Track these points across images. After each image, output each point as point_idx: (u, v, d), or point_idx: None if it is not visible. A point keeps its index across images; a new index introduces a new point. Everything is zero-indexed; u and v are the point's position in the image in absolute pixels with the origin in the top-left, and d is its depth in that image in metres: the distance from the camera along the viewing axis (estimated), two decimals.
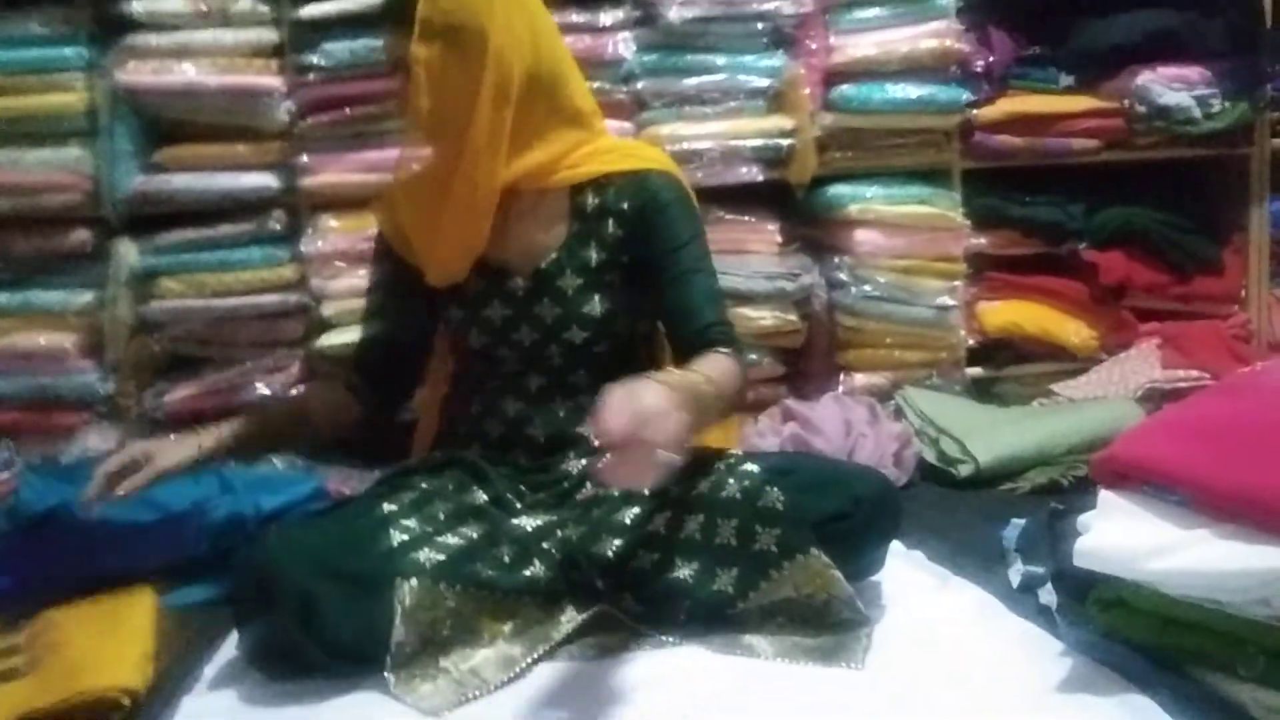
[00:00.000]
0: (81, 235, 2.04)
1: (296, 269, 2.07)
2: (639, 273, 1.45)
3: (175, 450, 1.35)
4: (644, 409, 1.03)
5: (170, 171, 2.04)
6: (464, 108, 1.34)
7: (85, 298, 2.04)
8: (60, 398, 2.04)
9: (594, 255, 1.43)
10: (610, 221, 1.44)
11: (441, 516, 1.31)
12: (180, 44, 2.02)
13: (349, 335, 1.99)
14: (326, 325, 2.06)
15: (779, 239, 2.20)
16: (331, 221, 2.07)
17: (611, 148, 1.48)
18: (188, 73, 2.01)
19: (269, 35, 2.05)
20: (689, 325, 1.40)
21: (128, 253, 2.03)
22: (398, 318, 1.53)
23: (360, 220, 2.05)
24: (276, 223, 2.06)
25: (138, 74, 2.00)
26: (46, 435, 2.03)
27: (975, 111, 2.30)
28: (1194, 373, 2.24)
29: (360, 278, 2.01)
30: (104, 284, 2.03)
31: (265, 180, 2.06)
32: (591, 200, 1.45)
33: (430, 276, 1.45)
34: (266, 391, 2.05)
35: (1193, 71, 2.35)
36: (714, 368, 1.30)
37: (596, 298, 1.42)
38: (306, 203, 2.09)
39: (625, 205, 1.44)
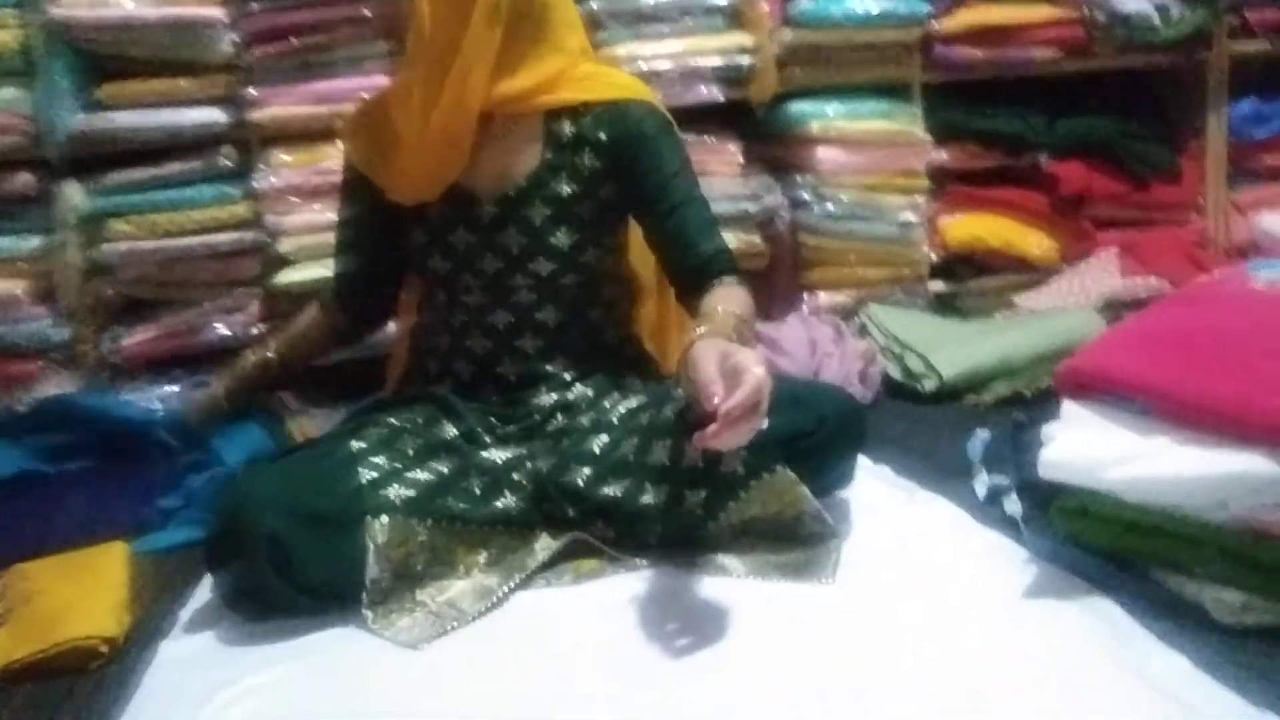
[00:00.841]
0: (25, 178, 1.97)
1: (250, 206, 2.02)
2: (620, 205, 1.43)
3: None
4: (755, 378, 1.04)
5: (112, 109, 1.97)
6: (456, 23, 1.31)
7: (33, 243, 1.99)
8: (14, 346, 2.00)
9: (566, 187, 1.40)
10: (587, 152, 1.41)
11: (411, 452, 1.31)
12: None
13: (307, 272, 1.96)
14: (284, 262, 2.02)
15: (740, 160, 2.18)
16: (283, 156, 2.02)
17: (588, 74, 1.44)
18: (125, 5, 1.93)
19: None
20: (691, 257, 1.38)
21: (73, 195, 1.96)
22: (372, 250, 1.52)
23: (313, 153, 2.00)
24: (226, 159, 2.01)
25: (73, 8, 1.92)
26: (2, 384, 1.99)
27: (935, 23, 2.27)
28: (1153, 281, 2.27)
29: (315, 212, 1.98)
30: (52, 228, 1.97)
31: (212, 115, 1.99)
32: (568, 129, 1.41)
33: (401, 194, 1.41)
34: (226, 332, 2.02)
35: None
36: (737, 303, 1.29)
37: (564, 229, 1.39)
38: (256, 137, 2.03)
39: (604, 135, 1.40)
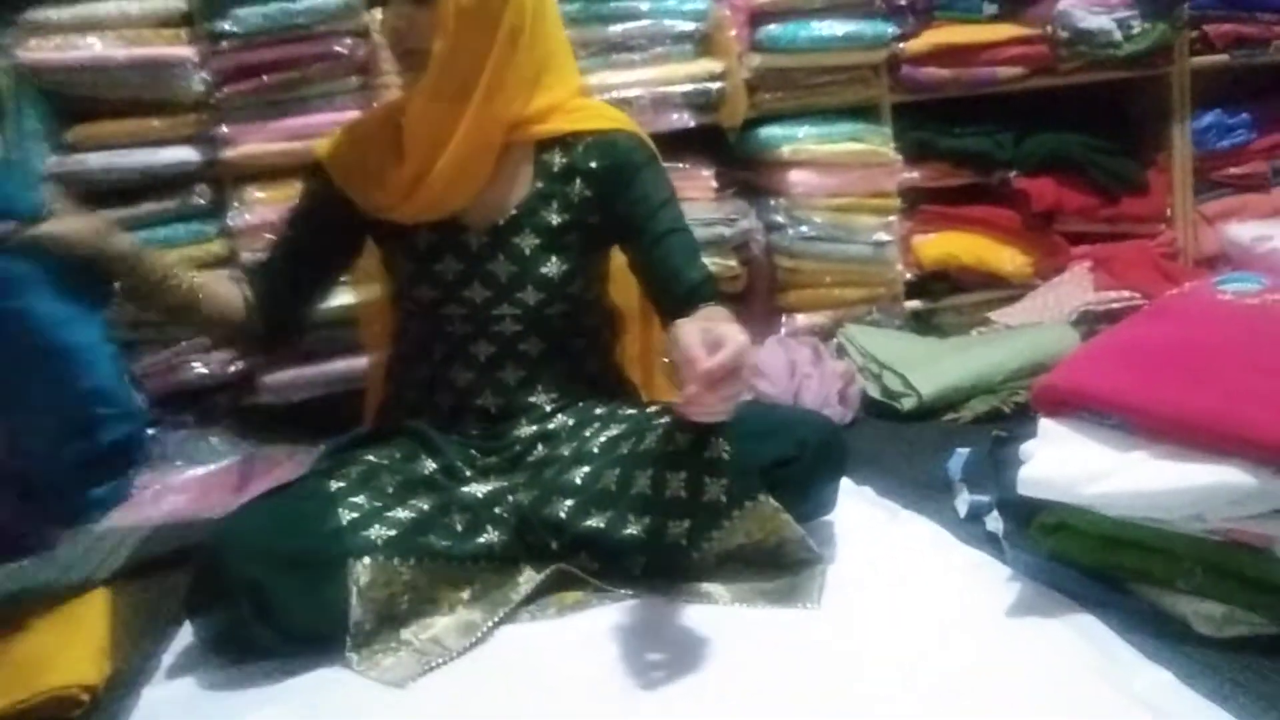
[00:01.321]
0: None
1: (225, 244, 2.02)
2: (606, 234, 1.43)
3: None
4: (737, 343, 1.06)
5: (84, 151, 1.97)
6: (481, 47, 1.31)
7: None
8: None
9: (555, 216, 1.41)
10: (578, 181, 1.41)
11: (390, 490, 1.30)
12: (83, 17, 1.93)
13: None
14: None
15: (714, 184, 2.20)
16: (257, 193, 2.02)
17: (578, 107, 1.45)
18: (94, 46, 1.93)
19: (176, 3, 1.98)
20: (676, 285, 1.38)
21: None
22: (309, 248, 1.47)
23: (287, 190, 1.99)
24: (200, 197, 2.01)
25: (40, 51, 1.92)
26: None
27: (901, 45, 2.30)
28: (1125, 293, 2.29)
29: None
30: None
31: (185, 154, 1.99)
32: (559, 159, 1.41)
33: (401, 215, 1.39)
34: (204, 370, 2.02)
35: None
36: (721, 318, 1.28)
37: (554, 259, 1.40)
38: (230, 175, 2.03)
39: (594, 164, 1.41)
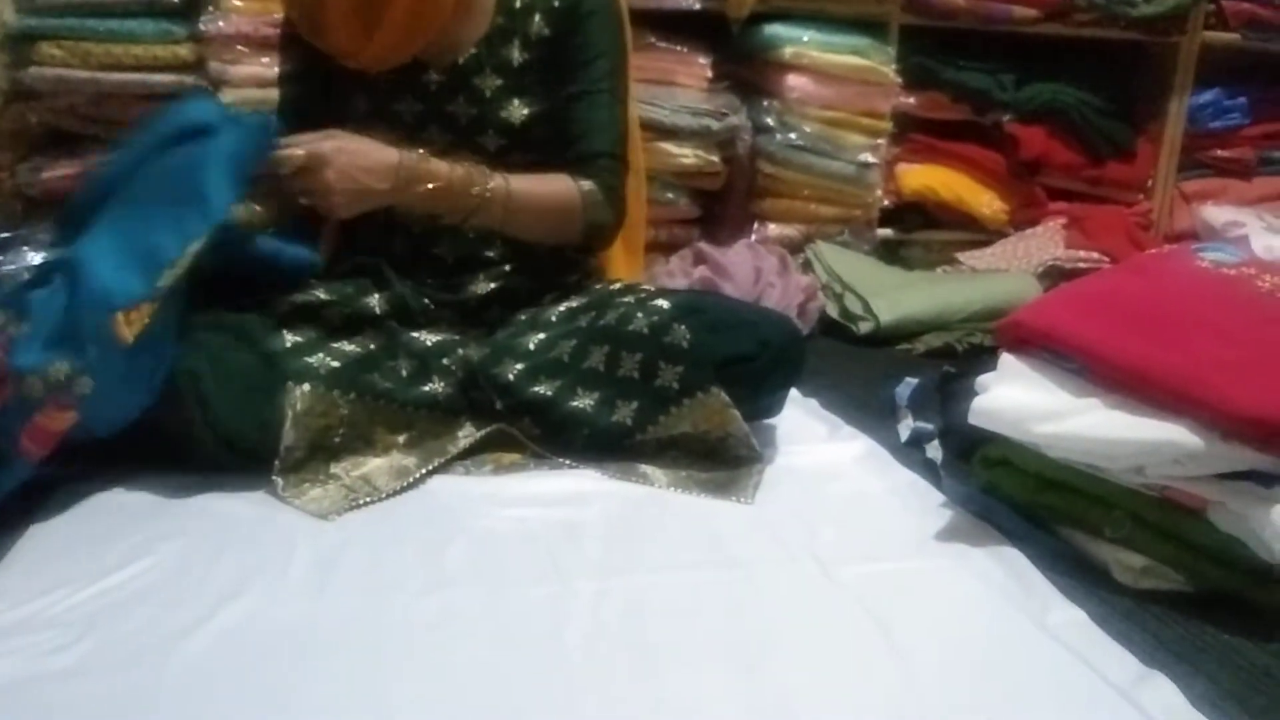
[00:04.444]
0: None
1: (194, 49, 1.92)
2: (554, 78, 1.38)
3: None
4: (332, 157, 1.21)
5: None
6: None
7: None
8: None
9: (516, 54, 1.35)
10: (537, 16, 1.35)
11: (337, 324, 1.27)
12: None
13: None
14: None
15: (709, 74, 2.14)
16: (235, 0, 1.91)
17: None
18: None
19: None
20: (573, 147, 1.36)
21: (3, 9, 1.84)
22: (313, 109, 1.40)
23: (266, 1, 1.90)
24: None
25: None
26: None
27: None
28: (1094, 254, 2.31)
29: (263, 65, 1.89)
30: None
31: None
32: None
33: (359, 61, 1.32)
34: None
35: None
36: (535, 184, 1.33)
37: (516, 101, 1.34)
38: None
39: (555, 1, 1.35)
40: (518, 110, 1.34)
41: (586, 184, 1.35)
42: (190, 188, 1.13)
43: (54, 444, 1.06)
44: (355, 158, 1.24)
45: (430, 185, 1.28)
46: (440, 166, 1.29)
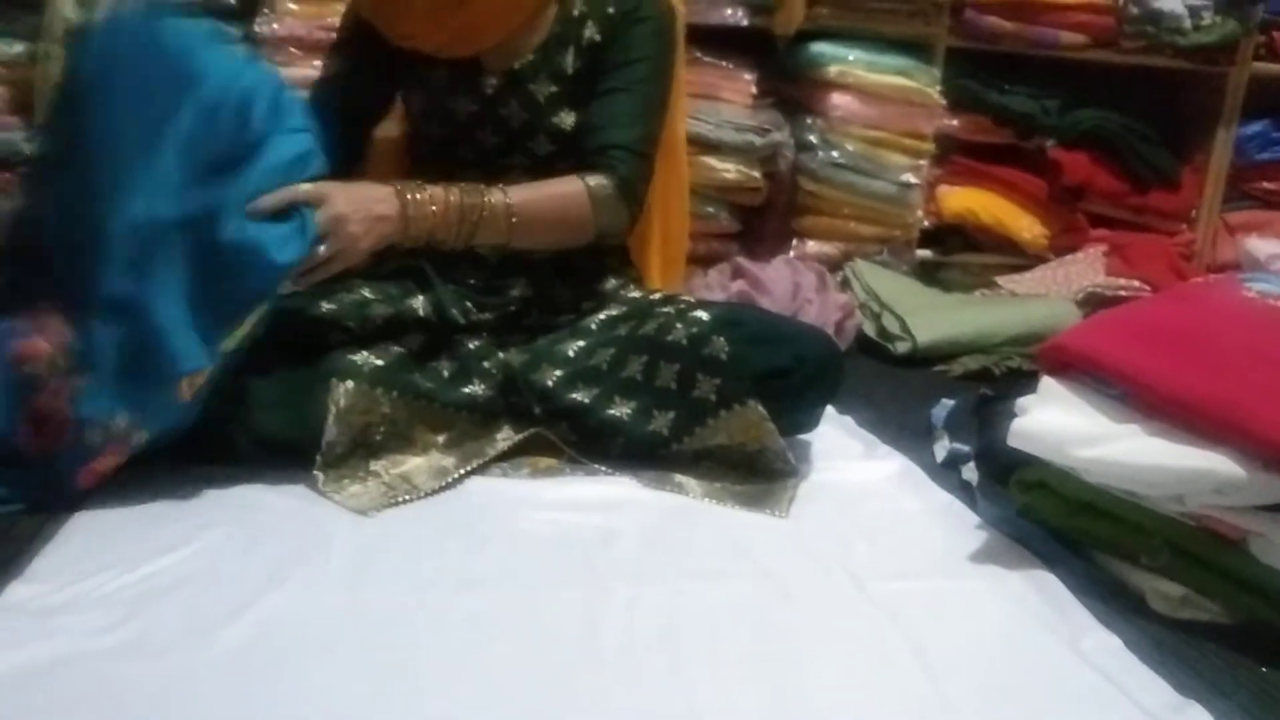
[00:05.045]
0: None
1: (247, 50, 1.95)
2: (597, 81, 1.38)
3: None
4: (335, 217, 1.15)
5: None
6: None
7: (16, 49, 1.91)
8: None
9: (570, 62, 1.36)
10: (590, 24, 1.36)
11: (381, 323, 1.28)
12: None
13: None
14: None
15: (754, 90, 2.15)
16: (290, 4, 1.95)
17: None
18: None
19: None
20: (588, 139, 1.35)
21: (64, 5, 1.88)
22: (353, 90, 1.43)
23: (321, 6, 1.93)
24: None
25: None
26: None
27: None
28: (1135, 283, 2.29)
29: (314, 68, 1.90)
30: (37, 36, 1.89)
31: None
32: (579, 3, 1.37)
33: (433, 43, 1.33)
34: None
35: None
36: (536, 191, 1.30)
37: (566, 109, 1.36)
38: None
39: (610, 9, 1.37)
40: (568, 117, 1.36)
41: (595, 179, 1.32)
42: (251, 252, 1.09)
43: (101, 481, 1.09)
44: (355, 190, 1.19)
45: (434, 208, 1.24)
46: (438, 190, 1.25)
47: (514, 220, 1.28)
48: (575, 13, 1.37)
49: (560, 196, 1.31)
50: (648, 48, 1.38)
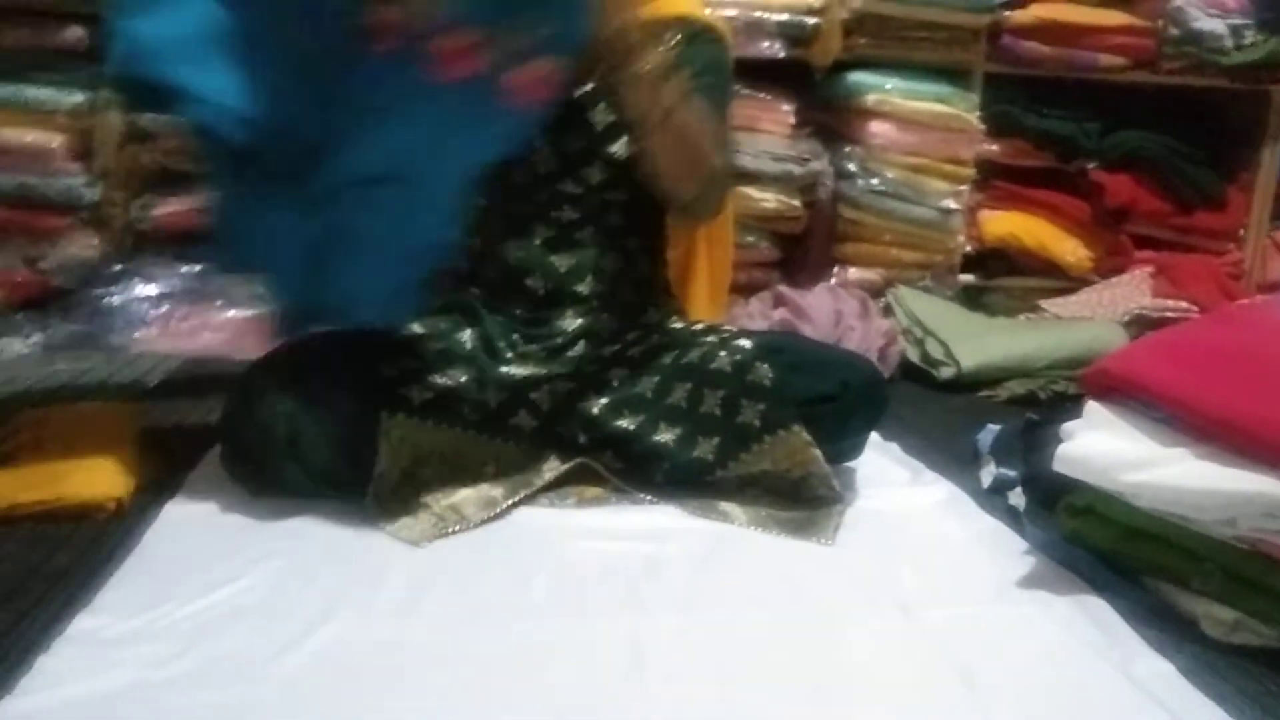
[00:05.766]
0: (76, 32, 1.97)
1: None
2: None
3: None
4: None
5: None
6: None
7: (76, 98, 1.98)
8: (44, 199, 1.99)
9: None
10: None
11: (429, 357, 1.31)
12: None
13: None
14: None
15: (792, 120, 2.17)
16: None
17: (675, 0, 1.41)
18: None
19: None
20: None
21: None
22: None
23: None
24: None
25: None
26: (28, 235, 1.99)
27: (1007, 13, 2.25)
28: (1183, 304, 2.26)
29: None
30: (97, 86, 1.96)
31: None
32: (637, 35, 1.38)
33: None
34: None
35: None
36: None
37: (624, 140, 1.37)
38: None
39: (670, 35, 1.37)
40: (625, 148, 1.37)
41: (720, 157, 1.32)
42: None
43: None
44: None
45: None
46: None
47: (684, 105, 1.25)
48: (634, 39, 1.37)
49: (703, 133, 1.29)
50: (715, 62, 1.38)
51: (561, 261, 1.39)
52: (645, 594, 1.06)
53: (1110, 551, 1.14)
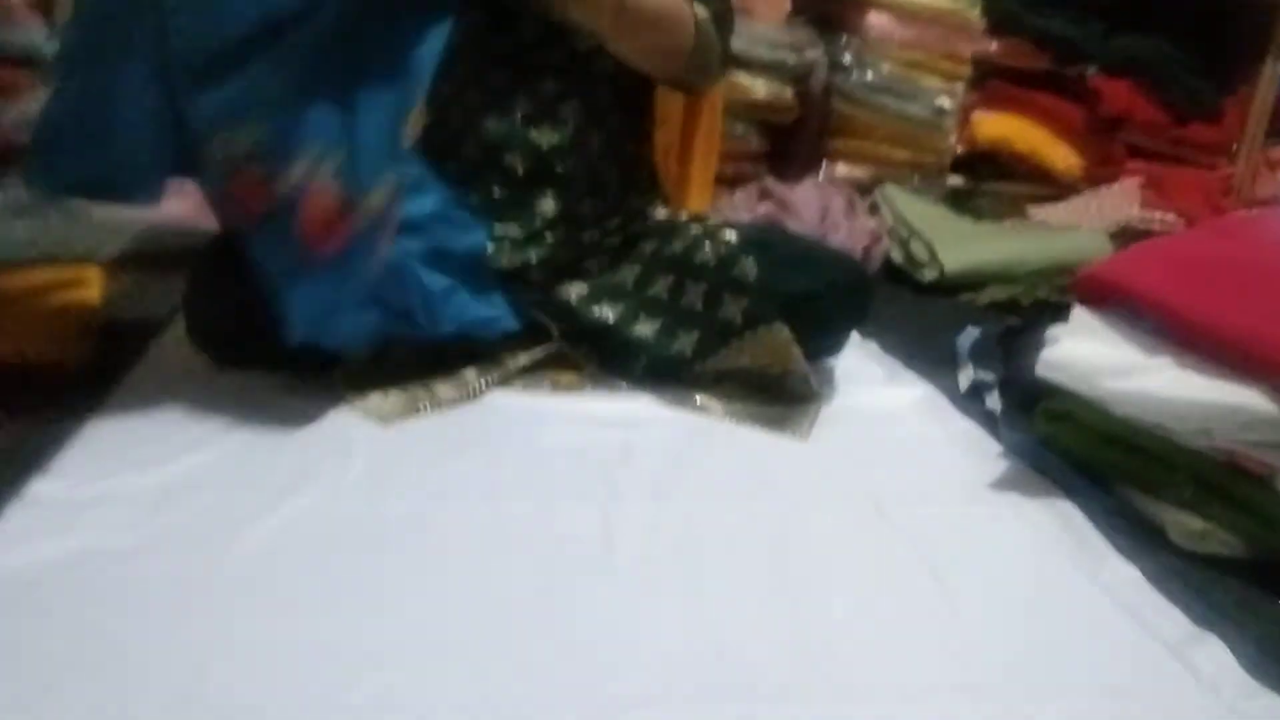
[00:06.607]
0: None
1: None
2: None
3: None
4: None
5: None
6: None
7: None
8: (3, 53, 1.90)
9: None
10: None
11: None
12: None
13: None
14: None
15: (788, 7, 2.09)
16: None
17: None
18: None
19: None
20: None
21: None
22: None
23: None
24: None
25: None
26: None
27: None
28: (1170, 216, 2.25)
29: None
30: None
31: None
32: None
33: None
34: None
35: None
36: None
37: None
38: None
39: None
40: None
41: (702, 10, 1.27)
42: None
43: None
44: None
45: None
46: None
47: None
48: None
49: (670, 3, 1.24)
50: None
51: (542, 138, 1.34)
52: (617, 480, 1.05)
53: (1085, 458, 1.14)
